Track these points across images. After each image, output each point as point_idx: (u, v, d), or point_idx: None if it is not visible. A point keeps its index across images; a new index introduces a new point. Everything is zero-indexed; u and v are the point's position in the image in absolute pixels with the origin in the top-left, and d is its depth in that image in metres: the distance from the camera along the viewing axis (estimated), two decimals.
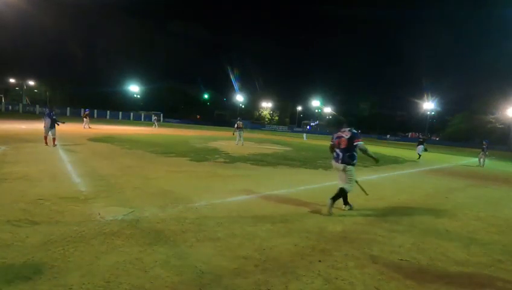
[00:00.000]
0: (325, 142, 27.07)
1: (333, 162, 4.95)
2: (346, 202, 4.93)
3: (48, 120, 10.23)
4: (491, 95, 50.00)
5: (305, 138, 30.84)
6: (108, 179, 5.91)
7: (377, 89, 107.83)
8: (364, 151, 4.86)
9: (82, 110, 48.85)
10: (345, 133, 4.74)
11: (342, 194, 4.77)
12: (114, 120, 44.68)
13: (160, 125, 35.15)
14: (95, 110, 51.34)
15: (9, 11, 36.96)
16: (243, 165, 9.17)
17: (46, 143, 10.15)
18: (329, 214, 4.60)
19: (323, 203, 5.27)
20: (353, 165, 4.75)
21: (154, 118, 35.07)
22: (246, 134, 27.47)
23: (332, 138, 4.97)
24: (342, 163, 4.73)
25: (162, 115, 56.88)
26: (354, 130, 4.84)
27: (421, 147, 16.47)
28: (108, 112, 50.35)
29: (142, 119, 51.84)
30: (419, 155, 16.49)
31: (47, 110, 10.69)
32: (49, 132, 10.23)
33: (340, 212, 4.82)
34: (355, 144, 4.70)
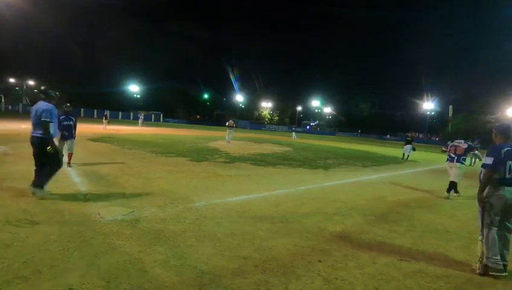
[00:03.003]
0: (318, 142, 27.06)
1: (448, 163, 6.87)
2: (456, 190, 6.75)
3: (63, 127, 6.87)
4: (491, 95, 49.97)
5: (294, 137, 31.16)
6: (108, 179, 5.92)
7: (377, 89, 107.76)
8: (478, 157, 7.35)
9: (83, 110, 49.05)
10: (462, 144, 6.70)
11: (453, 185, 6.67)
12: (114, 120, 44.64)
13: (161, 125, 35.30)
14: (95, 110, 51.32)
15: (9, 11, 36.97)
16: (243, 165, 9.17)
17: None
18: (449, 198, 6.60)
19: (323, 203, 5.30)
20: (464, 165, 6.83)
21: (140, 117, 35.73)
22: (245, 134, 27.44)
23: (447, 146, 7.02)
24: (457, 162, 6.68)
25: (162, 115, 56.87)
26: (470, 142, 6.96)
27: (409, 146, 14.94)
28: (108, 112, 50.26)
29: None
30: (408, 155, 15.05)
31: (59, 113, 6.14)
32: (65, 145, 6.93)
33: (339, 212, 4.83)
34: (472, 153, 7.22)
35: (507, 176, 3.02)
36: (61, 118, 6.79)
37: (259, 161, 10.34)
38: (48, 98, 4.60)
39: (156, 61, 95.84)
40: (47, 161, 4.46)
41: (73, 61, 64.82)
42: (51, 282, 2.32)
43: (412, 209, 5.47)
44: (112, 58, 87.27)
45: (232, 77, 65.95)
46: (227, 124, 17.16)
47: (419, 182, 8.81)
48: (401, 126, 74.62)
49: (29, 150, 4.60)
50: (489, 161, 3.09)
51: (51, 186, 5.10)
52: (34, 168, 4.53)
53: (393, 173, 10.52)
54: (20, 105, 48.55)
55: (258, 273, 2.69)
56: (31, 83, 59.35)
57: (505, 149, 3.07)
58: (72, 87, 59.48)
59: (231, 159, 10.12)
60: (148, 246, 3.05)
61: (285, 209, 4.76)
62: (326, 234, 3.81)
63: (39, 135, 4.39)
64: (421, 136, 61.05)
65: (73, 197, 4.57)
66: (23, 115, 39.51)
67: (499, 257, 3.01)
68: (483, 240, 3.09)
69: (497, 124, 3.46)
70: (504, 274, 2.95)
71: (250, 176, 7.37)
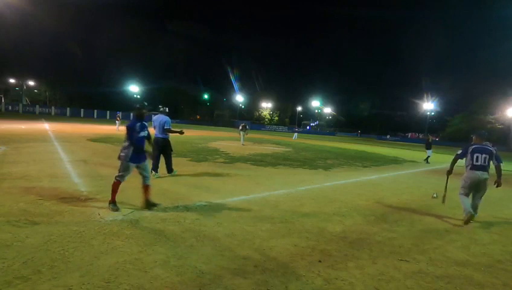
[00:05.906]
0: (318, 143, 27.05)
1: None
2: None
3: (138, 140, 4.31)
4: (491, 95, 49.96)
5: (294, 137, 30.41)
6: (108, 179, 5.90)
7: (377, 89, 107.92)
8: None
9: (82, 110, 48.95)
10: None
11: None
12: (114, 120, 44.57)
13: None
14: (95, 110, 51.27)
15: (9, 11, 36.97)
16: (243, 165, 9.17)
17: (114, 200, 4.22)
18: None
19: (323, 203, 5.30)
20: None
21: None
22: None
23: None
24: None
25: None
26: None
27: (430, 151, 15.15)
28: (108, 112, 50.31)
29: None
30: (428, 157, 15.13)
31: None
32: (139, 170, 4.46)
33: (339, 212, 4.83)
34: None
35: (474, 163, 4.65)
36: (137, 125, 4.31)
37: (259, 161, 10.34)
38: (165, 113, 6.64)
39: (156, 61, 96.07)
40: (168, 153, 6.71)
41: (73, 61, 64.91)
42: (50, 282, 2.32)
43: (412, 209, 5.46)
44: (112, 58, 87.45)
45: (232, 77, 66.08)
46: (240, 127, 18.04)
47: (419, 182, 8.80)
48: (401, 126, 74.69)
49: (29, 150, 4.59)
50: (459, 152, 4.89)
51: (51, 185, 5.11)
52: (153, 161, 6.29)
53: (393, 173, 10.52)
54: (20, 105, 48.46)
55: (258, 274, 2.69)
56: (31, 83, 59.34)
57: (473, 146, 4.75)
58: (72, 87, 59.58)
59: (231, 160, 10.12)
60: (148, 246, 3.05)
61: (285, 209, 4.76)
62: (326, 234, 3.81)
63: (163, 137, 6.56)
64: (420, 136, 61.06)
65: (74, 197, 4.56)
66: (23, 115, 39.48)
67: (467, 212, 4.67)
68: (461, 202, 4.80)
69: (476, 132, 5.02)
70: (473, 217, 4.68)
71: (250, 176, 7.37)
